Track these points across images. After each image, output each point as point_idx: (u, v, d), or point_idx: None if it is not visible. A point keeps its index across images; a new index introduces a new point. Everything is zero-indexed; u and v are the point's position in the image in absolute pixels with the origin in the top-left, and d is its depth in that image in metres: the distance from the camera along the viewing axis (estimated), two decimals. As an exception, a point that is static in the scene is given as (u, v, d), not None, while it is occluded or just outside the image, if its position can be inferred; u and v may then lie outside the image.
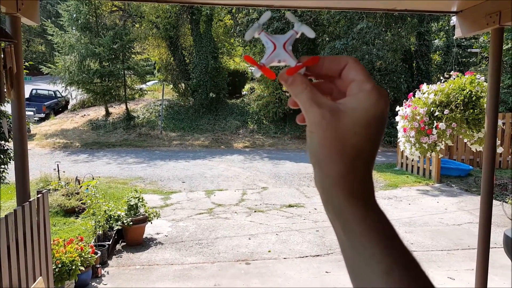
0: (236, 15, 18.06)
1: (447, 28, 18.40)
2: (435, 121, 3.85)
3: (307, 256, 5.06)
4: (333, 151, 0.42)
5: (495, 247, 4.83)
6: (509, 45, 16.50)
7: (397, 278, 0.39)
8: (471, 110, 3.77)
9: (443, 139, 3.85)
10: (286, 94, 17.17)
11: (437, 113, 3.84)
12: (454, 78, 4.04)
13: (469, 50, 18.76)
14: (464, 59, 18.48)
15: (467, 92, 3.86)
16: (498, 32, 2.60)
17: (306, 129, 0.45)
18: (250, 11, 15.88)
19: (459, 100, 3.81)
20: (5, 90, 2.14)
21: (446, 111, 3.79)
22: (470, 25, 2.76)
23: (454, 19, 3.04)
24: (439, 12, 3.11)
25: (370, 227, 0.42)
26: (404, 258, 0.40)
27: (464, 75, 4.05)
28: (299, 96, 0.45)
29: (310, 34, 0.47)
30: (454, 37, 2.96)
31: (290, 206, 7.24)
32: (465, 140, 3.94)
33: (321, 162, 0.43)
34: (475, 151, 4.00)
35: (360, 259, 0.41)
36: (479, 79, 3.93)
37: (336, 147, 0.42)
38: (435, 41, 19.12)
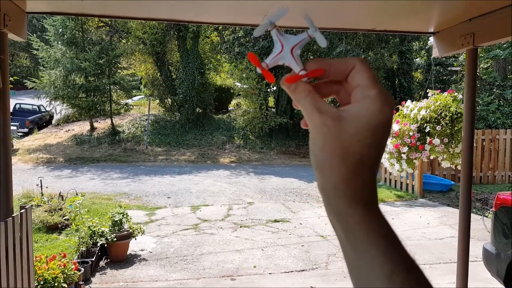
0: (223, 32, 18.29)
1: (428, 47, 18.94)
2: (428, 137, 3.93)
3: (292, 271, 5.07)
4: (334, 157, 0.42)
5: (476, 261, 4.92)
6: (488, 64, 17.07)
7: (399, 282, 0.39)
8: (460, 126, 3.87)
9: (432, 154, 3.95)
10: (272, 110, 17.34)
11: (428, 129, 3.93)
12: (433, 96, 4.18)
13: (449, 68, 19.30)
14: (445, 77, 19.00)
15: (454, 109, 3.98)
16: (473, 52, 2.72)
17: (309, 135, 0.44)
18: (236, 29, 16.09)
19: (447, 117, 3.93)
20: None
21: (438, 127, 3.89)
22: (447, 45, 2.88)
23: (431, 40, 3.17)
24: (417, 32, 3.24)
25: (372, 231, 0.41)
26: (406, 262, 0.40)
27: (443, 93, 4.19)
28: (301, 102, 0.44)
29: (322, 43, 0.45)
30: (432, 56, 3.08)
31: (275, 221, 7.26)
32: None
33: (323, 167, 0.43)
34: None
35: (362, 262, 0.41)
36: (456, 96, 4.07)
37: (338, 153, 0.42)
38: (416, 59, 19.63)
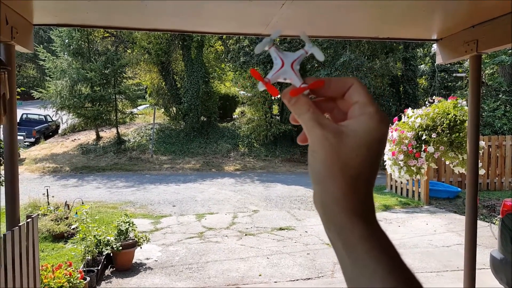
0: (227, 42, 18.42)
1: (432, 53, 18.92)
2: (423, 145, 3.93)
3: (298, 280, 5.03)
4: (335, 170, 0.43)
5: (484, 268, 4.86)
6: (494, 70, 17.02)
7: None
8: (457, 134, 3.86)
9: (430, 161, 3.93)
10: (277, 117, 17.36)
11: (424, 136, 3.93)
12: (437, 103, 4.17)
13: (454, 74, 19.25)
14: (449, 83, 18.94)
15: (452, 116, 3.98)
16: (476, 59, 2.72)
17: (308, 148, 0.45)
18: (241, 38, 16.20)
19: (444, 124, 3.92)
20: (-1, 115, 2.18)
21: (433, 135, 3.89)
22: (450, 52, 2.88)
23: (435, 47, 3.17)
24: (420, 40, 3.24)
25: (372, 245, 0.42)
26: (406, 276, 0.41)
27: (447, 100, 4.18)
28: (302, 116, 0.45)
29: (320, 56, 0.47)
30: (436, 63, 3.08)
31: (281, 229, 7.23)
32: (448, 162, 4.03)
33: (323, 180, 0.44)
34: (457, 172, 4.08)
35: (362, 277, 0.41)
36: (461, 103, 4.06)
37: (338, 166, 0.43)
38: (421, 66, 19.60)
